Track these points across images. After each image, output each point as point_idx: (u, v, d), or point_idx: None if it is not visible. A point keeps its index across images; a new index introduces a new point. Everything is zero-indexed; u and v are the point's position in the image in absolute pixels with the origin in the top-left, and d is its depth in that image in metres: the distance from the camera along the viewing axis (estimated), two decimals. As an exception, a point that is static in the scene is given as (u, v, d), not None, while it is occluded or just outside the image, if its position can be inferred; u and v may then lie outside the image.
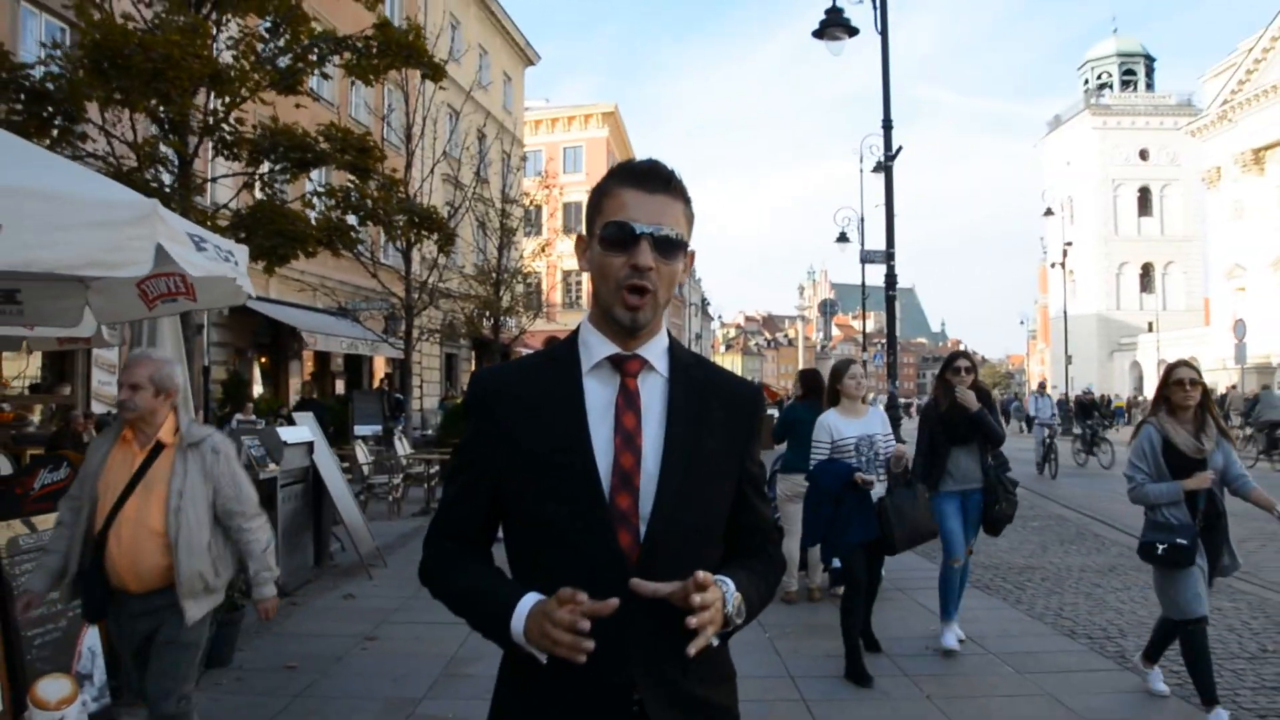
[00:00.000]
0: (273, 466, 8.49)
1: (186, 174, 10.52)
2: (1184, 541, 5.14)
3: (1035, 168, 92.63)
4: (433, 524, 1.99)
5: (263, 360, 25.53)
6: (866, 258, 17.00)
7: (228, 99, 10.55)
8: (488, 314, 28.82)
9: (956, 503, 6.76)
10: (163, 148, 10.36)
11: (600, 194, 1.86)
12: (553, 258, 31.26)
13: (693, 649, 1.66)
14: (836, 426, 6.39)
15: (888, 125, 13.64)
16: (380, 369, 31.69)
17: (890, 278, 13.60)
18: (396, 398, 26.25)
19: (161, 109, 9.59)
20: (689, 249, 1.89)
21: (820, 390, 8.93)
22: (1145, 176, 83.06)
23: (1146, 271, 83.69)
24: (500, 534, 1.96)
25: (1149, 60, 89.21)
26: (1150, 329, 75.07)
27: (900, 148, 14.58)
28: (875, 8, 13.61)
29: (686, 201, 1.87)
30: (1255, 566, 9.44)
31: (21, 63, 9.51)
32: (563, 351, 1.91)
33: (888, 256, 13.61)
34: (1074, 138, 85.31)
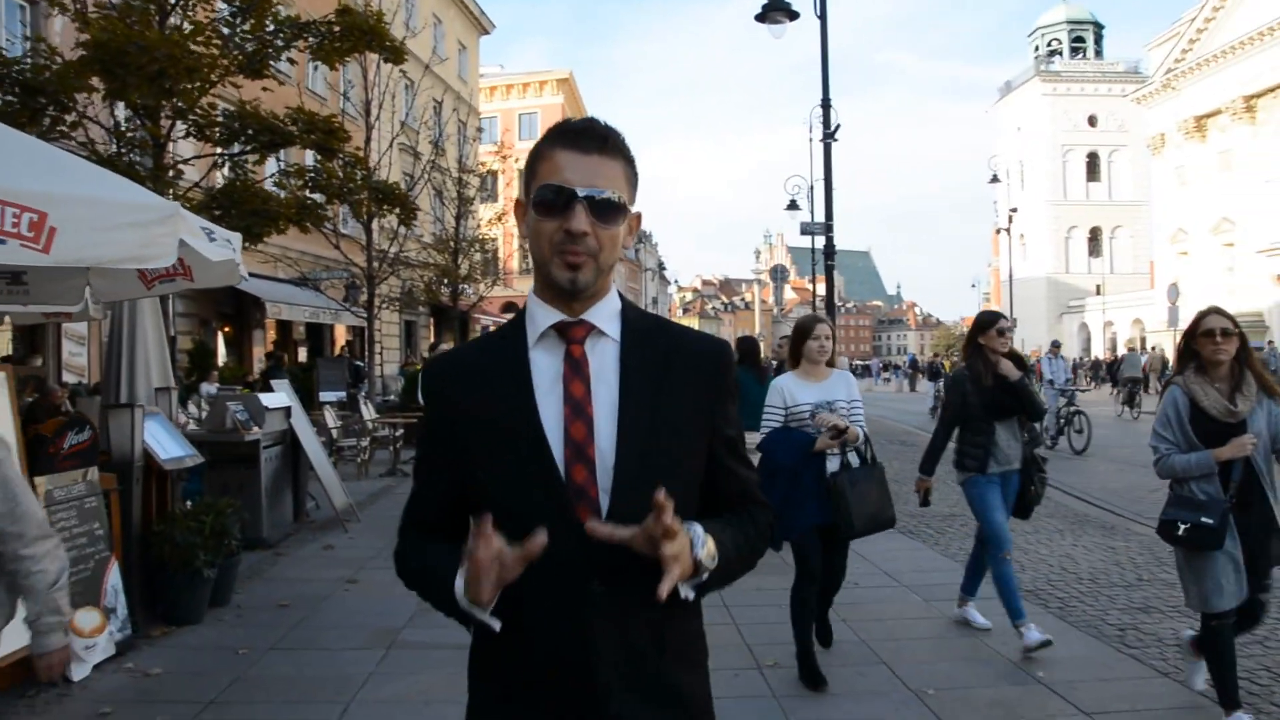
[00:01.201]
0: (256, 430, 9.24)
1: (160, 157, 11.15)
2: (1210, 521, 4.40)
3: (990, 132, 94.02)
4: (404, 513, 1.95)
5: (226, 330, 26.06)
6: (807, 229, 17.85)
7: (199, 84, 11.15)
8: (446, 281, 29.49)
9: (998, 488, 6.04)
10: (140, 133, 10.97)
11: (535, 156, 1.79)
12: (509, 225, 31.85)
13: (663, 587, 1.56)
14: (791, 391, 5.51)
15: (826, 104, 14.48)
16: (341, 337, 32.29)
17: (829, 248, 14.49)
18: (357, 365, 26.96)
19: (138, 98, 10.17)
20: (631, 211, 1.80)
21: (755, 356, 9.72)
22: (1094, 142, 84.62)
23: (1095, 236, 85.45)
24: None
25: (1098, 27, 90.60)
26: (1098, 292, 76.85)
27: (838, 125, 15.45)
28: (814, -7, 14.38)
29: (627, 161, 1.79)
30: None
31: (15, 58, 10.10)
32: (510, 327, 1.86)
33: (826, 228, 14.48)
34: (1025, 104, 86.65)
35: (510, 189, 35.01)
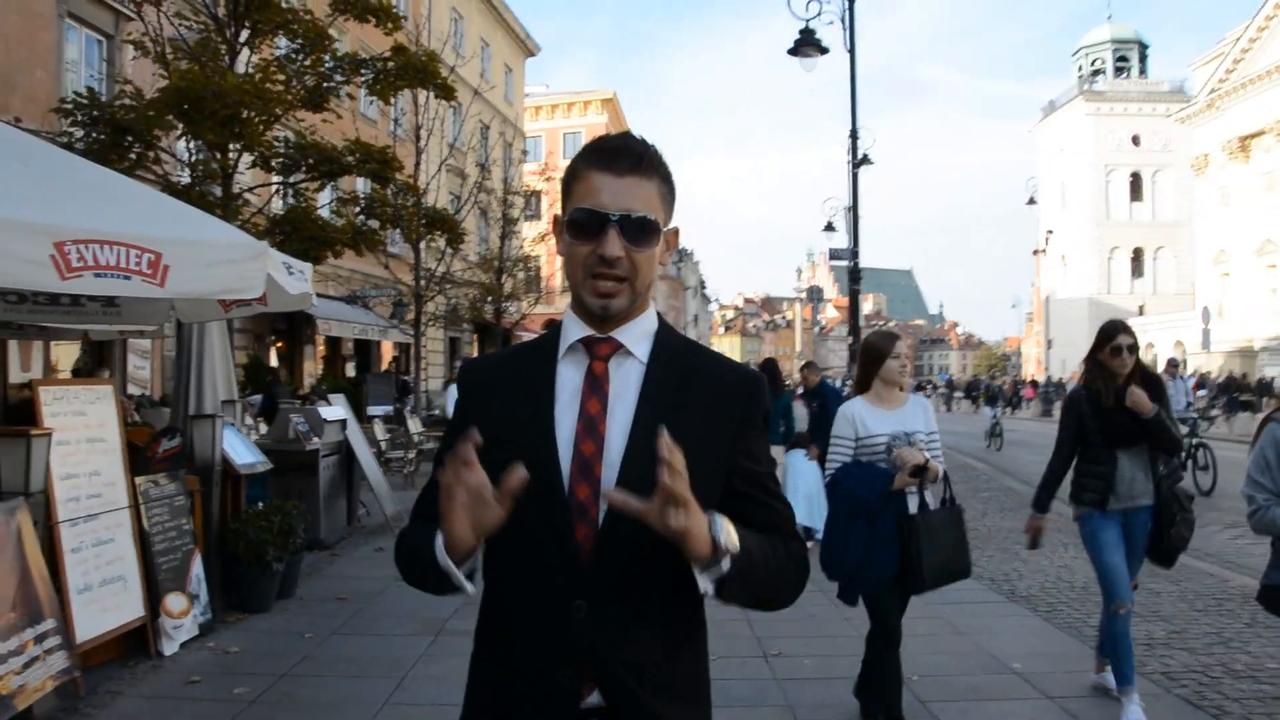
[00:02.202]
0: (316, 440, 10.05)
1: (228, 187, 12.05)
2: None
3: (1032, 151, 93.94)
4: (414, 506, 1.95)
5: (279, 345, 27.10)
6: (836, 254, 18.51)
7: (265, 118, 12.05)
8: (490, 299, 30.42)
9: (1118, 527, 5.19)
10: (211, 165, 11.90)
11: (570, 176, 1.78)
12: (552, 244, 32.55)
13: (673, 520, 1.53)
14: (863, 419, 4.79)
15: (854, 135, 15.18)
16: (388, 353, 33.31)
17: (854, 273, 15.14)
18: (404, 380, 27.94)
19: (212, 137, 11.09)
20: (667, 228, 1.79)
21: (778, 380, 10.32)
22: (1137, 162, 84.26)
23: (1137, 256, 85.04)
24: None
25: (1142, 47, 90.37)
26: (1140, 312, 76.57)
27: (865, 154, 16.18)
28: (845, 28, 15.10)
29: (663, 178, 1.77)
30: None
31: (107, 101, 11.05)
32: (545, 338, 1.86)
33: (852, 254, 15.16)
34: (1068, 123, 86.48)
35: (554, 208, 35.88)
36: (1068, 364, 74.83)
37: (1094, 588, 8.30)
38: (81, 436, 5.78)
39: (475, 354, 39.62)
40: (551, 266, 44.44)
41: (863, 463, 4.76)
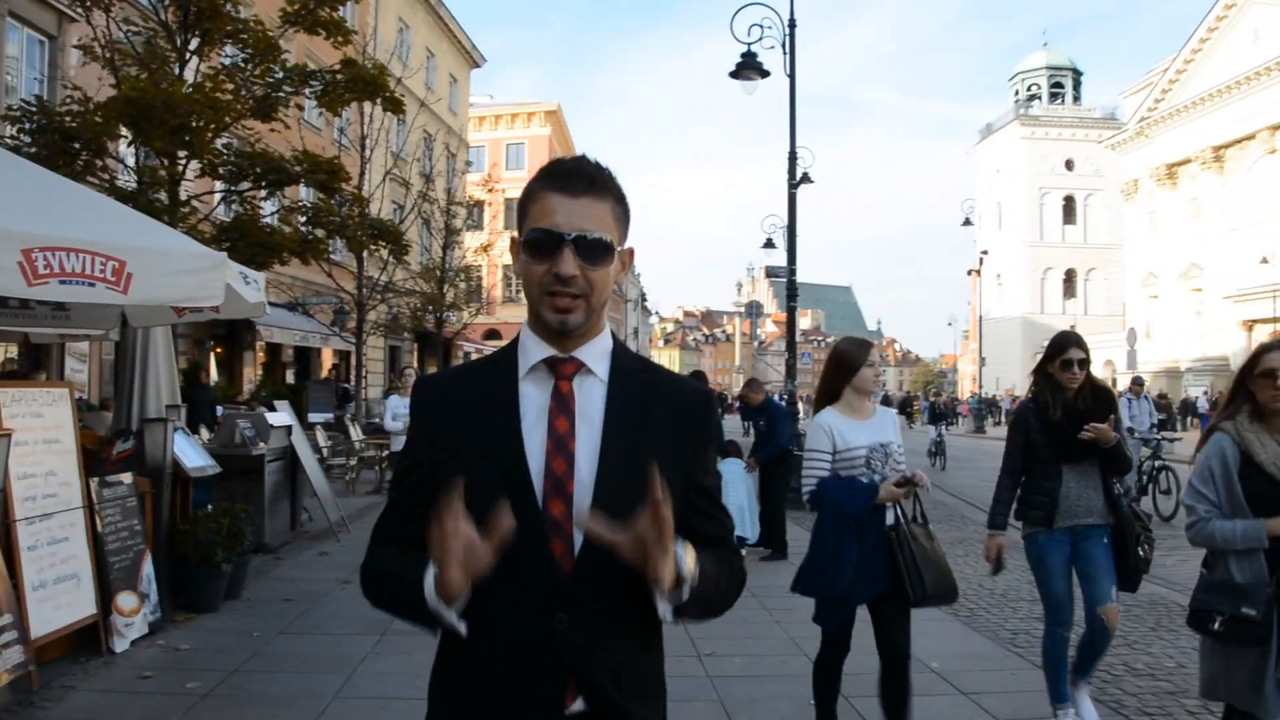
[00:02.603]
0: (262, 445, 10.19)
1: (175, 194, 12.15)
2: (1252, 612, 3.51)
3: (970, 171, 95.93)
4: (374, 529, 1.97)
5: (218, 350, 26.96)
6: (773, 272, 18.94)
7: (213, 128, 12.18)
8: (431, 309, 30.52)
9: (1066, 548, 4.99)
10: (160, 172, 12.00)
11: (526, 197, 1.82)
12: (494, 255, 32.88)
13: (665, 580, 1.62)
14: (839, 431, 4.58)
15: (793, 157, 15.59)
16: (328, 360, 33.22)
17: (791, 290, 15.56)
18: (344, 387, 27.94)
19: (160, 145, 11.20)
20: (622, 249, 1.85)
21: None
22: (1070, 186, 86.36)
23: (1070, 277, 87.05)
24: None
25: (1076, 74, 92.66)
26: (1072, 332, 78.23)
27: (805, 174, 16.70)
28: (785, 53, 15.53)
29: (617, 199, 1.82)
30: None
31: (56, 110, 11.12)
32: (503, 356, 1.89)
33: (789, 273, 15.56)
34: (1004, 146, 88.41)
35: (496, 220, 36.17)
36: (1001, 381, 76.46)
37: (1013, 594, 8.80)
38: (38, 438, 5.94)
39: (415, 362, 39.64)
40: (493, 277, 44.63)
41: (841, 476, 4.54)
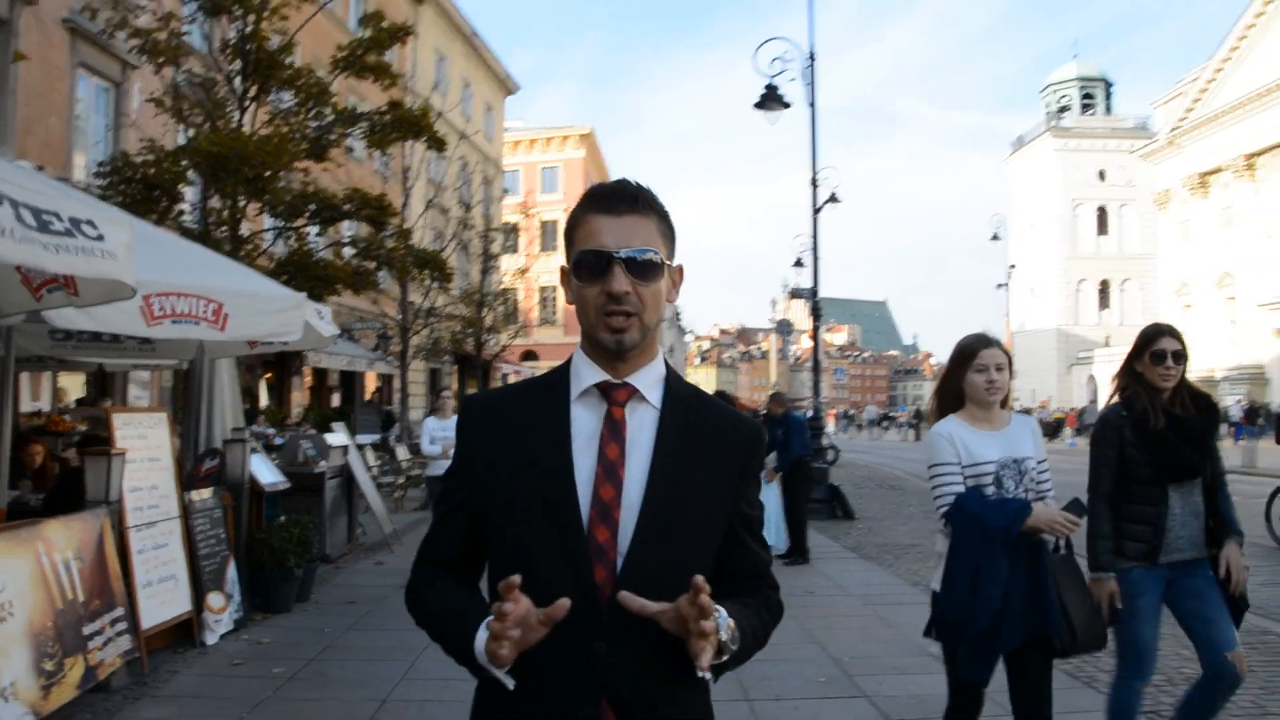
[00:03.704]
0: (323, 464, 11.09)
1: (236, 232, 13.14)
2: None
3: (1003, 183, 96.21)
4: (420, 548, 1.97)
5: (268, 376, 28.04)
6: (798, 293, 19.71)
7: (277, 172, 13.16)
8: (471, 332, 31.55)
9: (1161, 587, 4.19)
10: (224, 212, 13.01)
11: (572, 224, 1.84)
12: (530, 278, 33.79)
13: (703, 659, 1.61)
14: (965, 443, 3.87)
15: (815, 184, 16.39)
16: (371, 384, 34.29)
17: (815, 311, 16.35)
18: (387, 410, 29.02)
19: (233, 193, 12.20)
20: (671, 265, 1.86)
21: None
22: (1103, 196, 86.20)
23: (1104, 288, 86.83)
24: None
25: (1107, 84, 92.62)
26: (1107, 343, 78.23)
27: (833, 195, 17.51)
28: (806, 84, 16.35)
29: (661, 216, 1.84)
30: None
31: (137, 161, 12.14)
32: (554, 378, 1.89)
33: (812, 294, 16.35)
34: (1036, 158, 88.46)
35: (532, 245, 37.20)
36: (1037, 394, 76.58)
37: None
38: (144, 456, 6.83)
39: (455, 384, 40.66)
40: (529, 300, 45.63)
41: (976, 490, 3.81)
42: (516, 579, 1.57)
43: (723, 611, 1.69)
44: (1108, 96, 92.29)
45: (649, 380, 1.85)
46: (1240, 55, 56.31)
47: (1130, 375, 4.27)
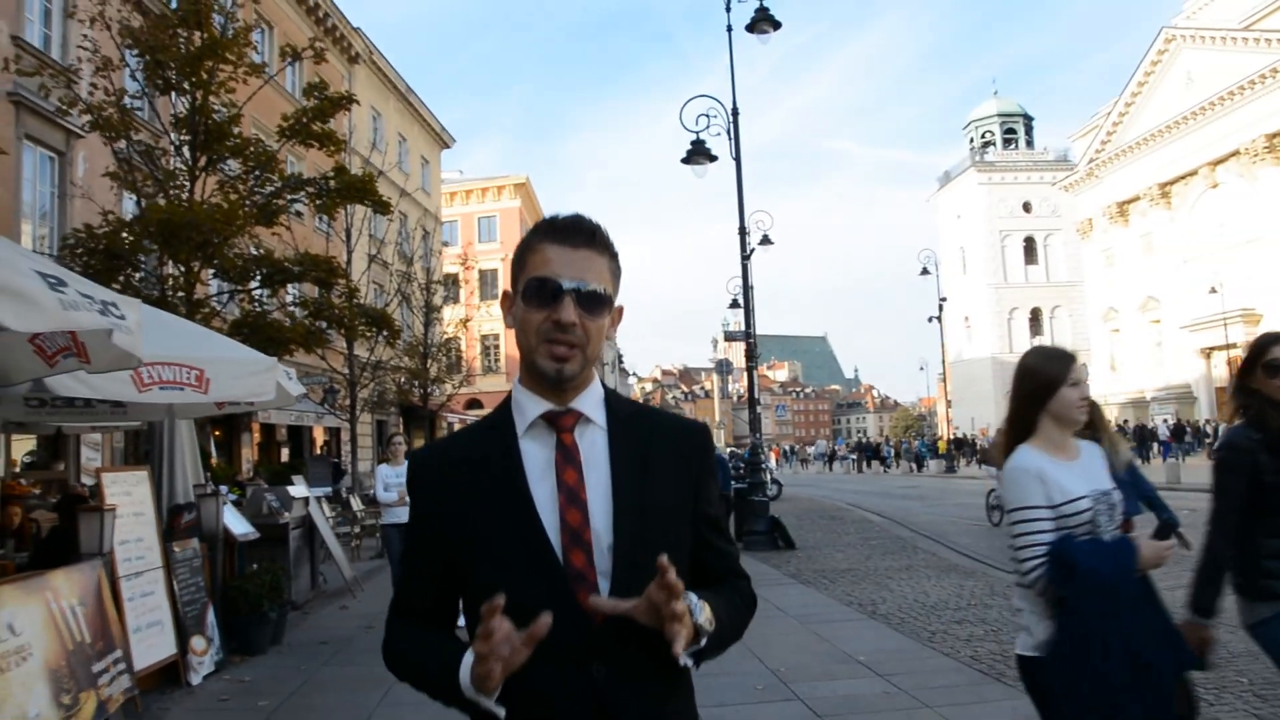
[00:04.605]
0: (286, 515, 11.63)
1: (191, 296, 13.69)
2: None
3: (933, 217, 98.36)
4: (390, 606, 1.98)
5: (216, 433, 28.29)
6: (732, 336, 20.56)
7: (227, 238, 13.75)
8: (416, 383, 32.06)
9: None
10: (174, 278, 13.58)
11: (524, 249, 1.85)
12: (472, 329, 34.38)
13: (677, 645, 1.62)
14: (1055, 479, 3.18)
15: (743, 231, 17.28)
16: (319, 438, 34.62)
17: (749, 353, 17.20)
18: (334, 463, 29.41)
19: (185, 258, 12.80)
20: (615, 304, 1.88)
21: None
22: (1030, 227, 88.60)
23: (1035, 316, 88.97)
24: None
25: (1028, 119, 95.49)
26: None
27: (764, 236, 18.45)
28: (730, 139, 17.28)
29: (612, 256, 1.87)
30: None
31: (100, 232, 12.68)
32: (497, 418, 1.89)
33: (746, 336, 17.19)
34: (963, 192, 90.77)
35: (472, 296, 37.81)
36: (975, 421, 78.20)
37: (940, 606, 10.26)
38: (130, 511, 7.39)
39: (401, 434, 40.90)
40: (471, 349, 46.13)
41: (1069, 535, 3.12)
42: (500, 600, 1.58)
43: (693, 597, 1.71)
44: (1028, 131, 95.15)
45: (592, 403, 1.88)
46: (1149, 90, 58.81)
47: (1246, 393, 3.72)
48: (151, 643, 7.33)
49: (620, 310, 1.94)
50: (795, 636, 9.08)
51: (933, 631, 9.00)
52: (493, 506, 1.78)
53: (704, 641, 1.72)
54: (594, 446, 1.85)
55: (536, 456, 1.82)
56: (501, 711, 1.66)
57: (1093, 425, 5.90)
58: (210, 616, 8.27)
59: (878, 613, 10.11)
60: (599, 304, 1.81)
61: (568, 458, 1.81)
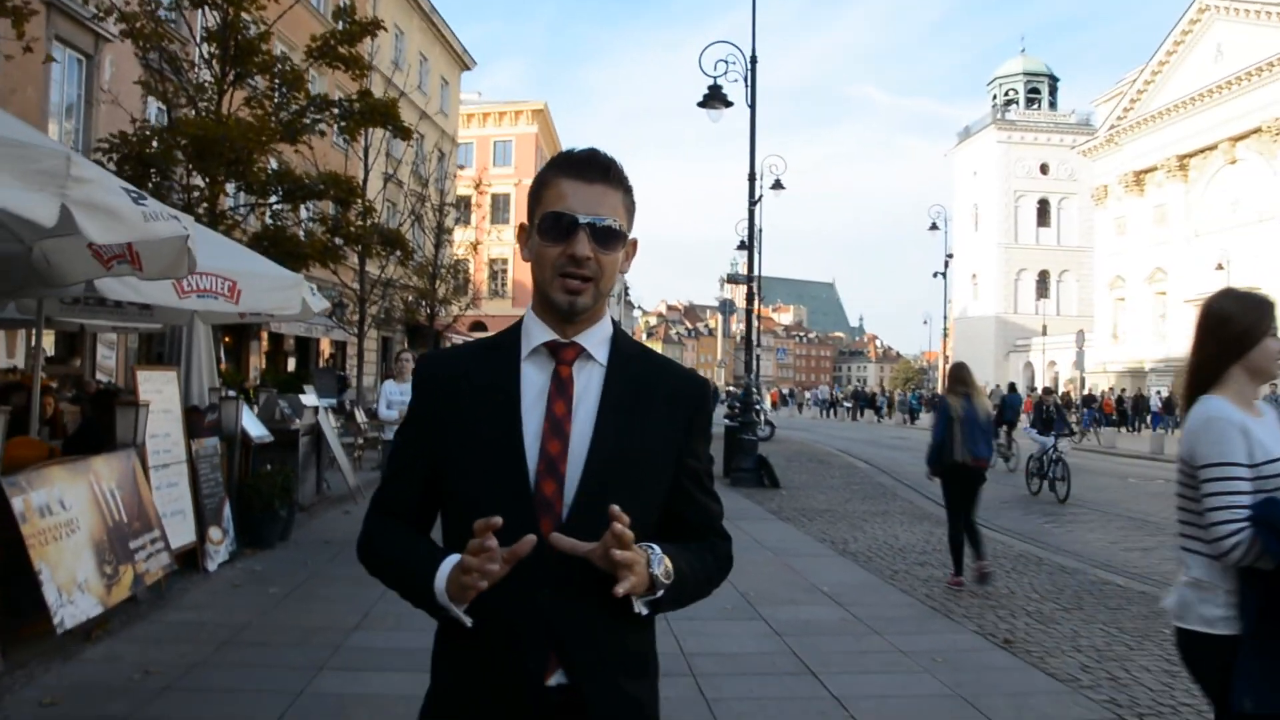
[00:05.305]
0: (297, 421, 12.26)
1: (215, 207, 14.19)
2: None
3: (950, 171, 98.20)
4: (372, 500, 2.06)
5: (227, 340, 28.90)
6: (734, 279, 21.07)
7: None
8: (424, 303, 32.62)
9: None
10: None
11: (540, 184, 1.88)
12: (481, 252, 34.79)
13: (618, 588, 1.66)
14: (1258, 435, 2.86)
15: (752, 178, 17.71)
16: (325, 350, 35.29)
17: (750, 296, 17.73)
18: (340, 375, 30.10)
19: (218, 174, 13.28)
20: (629, 238, 1.90)
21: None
22: (1045, 189, 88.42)
23: (1043, 278, 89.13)
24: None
25: (1053, 80, 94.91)
26: (1044, 332, 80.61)
27: (777, 181, 18.86)
28: (746, 85, 17.64)
29: (626, 190, 1.89)
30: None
31: (135, 138, 13.14)
32: (505, 338, 1.94)
33: (748, 280, 17.71)
34: (981, 149, 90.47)
35: (484, 220, 38.22)
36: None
37: (908, 549, 10.90)
38: (159, 408, 7.99)
39: (409, 351, 41.38)
40: (479, 273, 46.58)
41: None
42: (497, 520, 1.63)
43: (656, 549, 1.75)
44: (1053, 92, 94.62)
45: (596, 340, 1.90)
46: (1176, 60, 58.51)
47: None
48: (175, 530, 7.96)
49: (634, 243, 1.97)
50: (768, 567, 9.72)
51: (895, 570, 9.66)
52: (482, 422, 1.84)
53: (660, 593, 1.76)
54: (589, 383, 1.88)
55: (533, 382, 1.87)
56: (469, 621, 1.75)
57: (966, 383, 8.38)
58: (226, 510, 8.93)
59: (847, 550, 10.77)
60: (613, 239, 1.85)
61: (560, 389, 1.85)
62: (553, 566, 1.75)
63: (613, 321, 1.99)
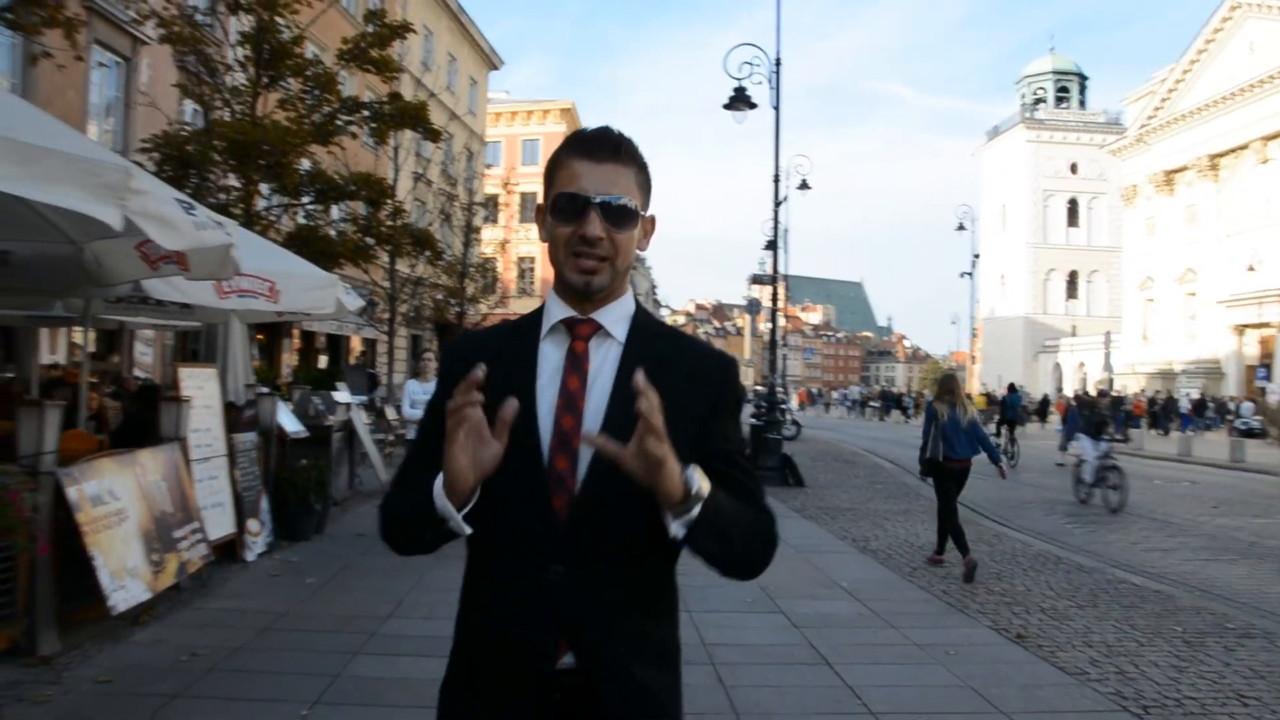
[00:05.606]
0: (330, 417, 12.56)
1: (250, 208, 14.54)
2: None
3: (978, 170, 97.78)
4: (393, 479, 2.02)
5: (260, 337, 29.37)
6: (758, 280, 21.27)
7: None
8: (452, 301, 33.00)
9: None
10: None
11: (553, 164, 1.89)
12: (510, 250, 35.17)
13: (664, 485, 1.63)
14: None
15: (777, 179, 17.90)
16: (356, 347, 35.73)
17: (775, 296, 17.90)
18: (371, 373, 30.50)
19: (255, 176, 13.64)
20: (645, 215, 1.90)
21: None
22: (1074, 189, 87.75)
23: (1072, 279, 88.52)
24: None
25: (1082, 78, 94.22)
26: (1073, 333, 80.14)
27: (803, 181, 19.02)
28: (770, 86, 17.83)
29: (640, 167, 1.89)
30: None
31: (176, 138, 13.51)
32: (529, 319, 1.95)
33: (773, 280, 17.90)
34: (1010, 148, 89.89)
35: (512, 218, 38.59)
36: (1003, 379, 78.53)
37: (929, 547, 11.06)
38: (200, 403, 8.30)
39: (433, 350, 41.78)
40: (508, 271, 46.97)
41: None
42: (478, 371, 1.66)
43: (691, 465, 1.70)
44: (1082, 90, 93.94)
45: (614, 316, 1.89)
46: (1208, 58, 58.04)
47: None
48: (215, 521, 8.26)
49: (653, 220, 1.97)
50: (789, 563, 9.90)
51: (914, 567, 9.86)
52: (499, 398, 1.74)
53: (696, 511, 1.68)
54: (605, 359, 1.87)
55: (550, 359, 1.87)
56: (467, 529, 1.73)
57: (952, 393, 8.98)
58: (264, 503, 9.23)
59: (868, 548, 10.95)
60: (626, 217, 1.84)
61: (575, 365, 1.85)
62: (566, 540, 1.76)
63: (637, 301, 1.97)
